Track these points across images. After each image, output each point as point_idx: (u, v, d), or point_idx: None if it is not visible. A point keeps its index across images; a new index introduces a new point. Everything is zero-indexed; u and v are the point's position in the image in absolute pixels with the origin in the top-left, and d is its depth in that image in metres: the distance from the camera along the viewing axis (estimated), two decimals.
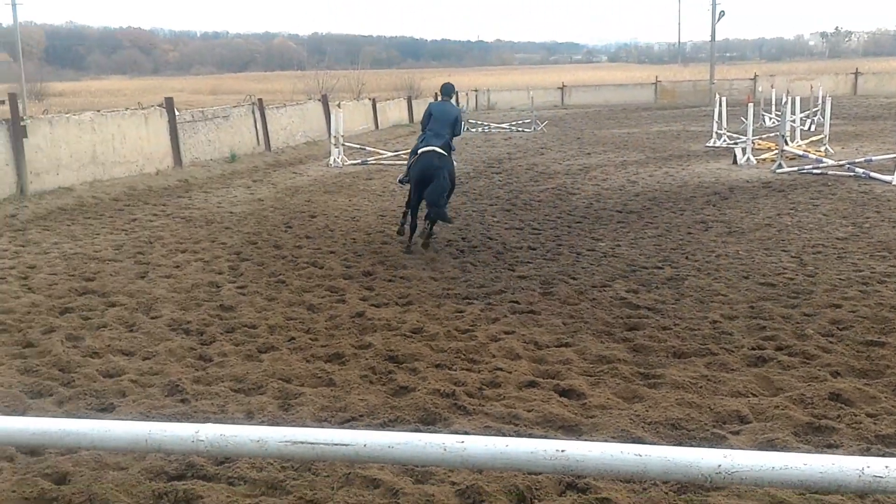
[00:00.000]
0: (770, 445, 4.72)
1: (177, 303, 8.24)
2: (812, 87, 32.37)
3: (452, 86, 11.54)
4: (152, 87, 68.20)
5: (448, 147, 10.51)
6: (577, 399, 5.56)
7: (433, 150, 10.21)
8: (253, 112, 23.35)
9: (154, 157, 18.75)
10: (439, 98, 11.41)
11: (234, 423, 5.14)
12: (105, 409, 5.57)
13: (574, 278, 8.89)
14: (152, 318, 7.74)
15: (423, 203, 10.35)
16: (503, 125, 33.07)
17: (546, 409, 5.33)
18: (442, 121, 10.56)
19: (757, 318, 7.20)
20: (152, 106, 19.71)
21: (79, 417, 5.09)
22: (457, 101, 42.03)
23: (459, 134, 10.94)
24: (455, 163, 11.18)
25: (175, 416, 5.39)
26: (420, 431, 4.98)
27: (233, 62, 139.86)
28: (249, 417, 5.41)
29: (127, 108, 19.22)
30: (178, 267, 9.86)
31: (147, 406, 5.57)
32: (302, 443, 1.94)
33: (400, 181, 11.31)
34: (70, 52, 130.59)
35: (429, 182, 10.11)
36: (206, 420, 5.23)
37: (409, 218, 10.68)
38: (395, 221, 12.57)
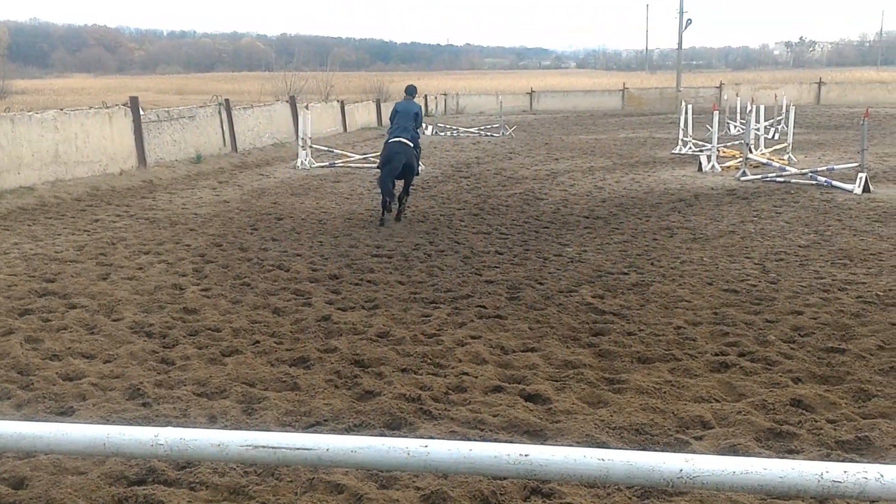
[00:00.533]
0: (732, 451, 4.77)
1: (139, 305, 8.13)
2: (776, 96, 32.89)
3: (415, 87, 14.36)
4: (117, 86, 67.33)
5: (413, 138, 13.12)
6: (542, 404, 5.57)
7: (398, 141, 12.88)
8: (219, 112, 23.16)
9: (118, 157, 18.51)
10: (404, 98, 13.96)
11: (195, 427, 5.08)
12: (64, 413, 5.48)
13: (541, 283, 8.92)
14: (114, 320, 7.63)
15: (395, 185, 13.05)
16: (472, 129, 33.13)
17: (512, 413, 5.33)
18: (406, 116, 13.27)
19: (720, 325, 7.28)
20: (117, 105, 19.45)
21: (37, 421, 5.00)
22: (425, 103, 42.25)
23: (420, 125, 13.64)
24: (421, 165, 14.06)
25: (136, 420, 5.32)
26: (385, 436, 4.96)
27: (200, 62, 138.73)
28: (212, 422, 5.35)
29: (91, 107, 18.94)
30: (140, 269, 9.74)
31: (107, 410, 5.48)
32: (263, 447, 1.91)
33: (378, 167, 13.63)
34: (34, 50, 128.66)
35: (401, 166, 12.77)
36: (167, 424, 5.17)
37: (387, 200, 12.79)
38: (362, 225, 12.62)
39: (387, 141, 13.10)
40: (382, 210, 12.81)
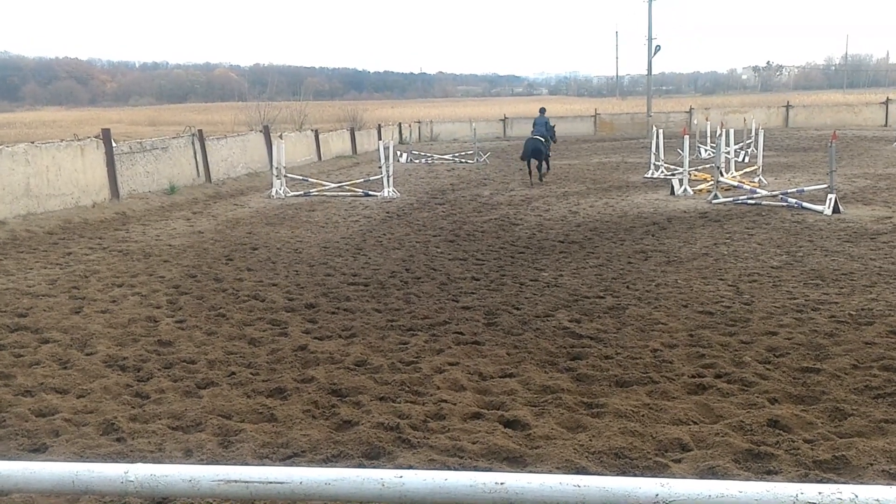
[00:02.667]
0: (711, 473, 4.77)
1: (113, 338, 8.04)
2: (745, 120, 33.33)
3: (545, 108, 25.13)
4: (89, 119, 67.04)
5: (544, 136, 22.62)
6: (521, 430, 5.55)
7: (533, 137, 22.39)
8: (193, 143, 23.09)
9: (90, 190, 18.38)
10: (539, 115, 24.01)
11: (169, 462, 5.01)
12: (37, 450, 5.38)
13: (517, 308, 8.92)
14: (87, 354, 7.53)
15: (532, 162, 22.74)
16: (446, 156, 33.28)
17: (491, 440, 5.31)
18: (540, 125, 23.18)
19: (696, 346, 7.31)
20: (89, 137, 19.34)
21: (9, 458, 4.91)
22: (399, 131, 42.48)
23: (550, 131, 23.38)
24: (549, 156, 23.71)
25: (110, 456, 5.24)
26: (364, 466, 4.92)
27: (172, 93, 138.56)
28: (188, 456, 5.27)
29: (62, 140, 18.81)
30: (114, 301, 9.64)
31: (81, 446, 5.40)
32: (236, 481, 1.88)
33: (521, 157, 23.46)
34: (4, 83, 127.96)
35: (531, 150, 22.22)
36: (142, 459, 5.09)
37: (529, 171, 22.79)
38: (338, 253, 12.61)
39: (528, 138, 22.79)
40: (529, 176, 22.75)
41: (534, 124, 23.48)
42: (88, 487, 1.97)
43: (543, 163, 22.89)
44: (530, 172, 22.68)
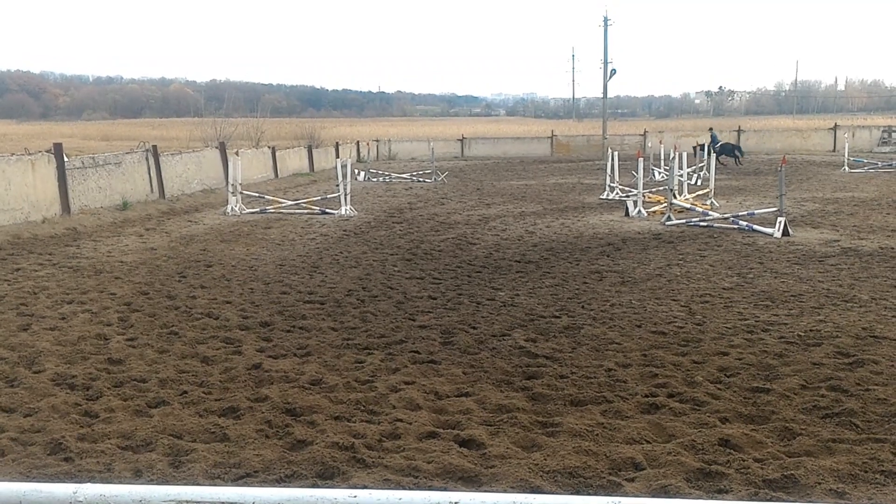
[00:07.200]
0: (663, 492, 4.81)
1: (62, 356, 7.87)
2: (698, 143, 33.94)
3: (711, 127, 43.76)
4: (41, 133, 65.79)
5: (733, 142, 38.40)
6: (477, 449, 5.56)
7: (730, 143, 36.85)
8: (147, 159, 22.82)
9: (41, 205, 18.04)
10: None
11: (118, 482, 4.92)
12: None
13: (474, 328, 8.94)
14: (35, 372, 7.36)
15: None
16: (404, 175, 33.32)
17: (446, 459, 5.30)
18: (714, 138, 36.64)
19: (649, 366, 7.39)
20: (40, 152, 19.00)
21: None
22: (357, 150, 42.32)
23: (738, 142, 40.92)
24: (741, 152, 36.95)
25: (58, 476, 5.12)
26: (318, 486, 4.88)
27: (127, 108, 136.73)
28: (137, 476, 5.18)
29: (13, 154, 18.47)
30: (63, 319, 9.45)
31: (28, 465, 5.27)
32: (187, 501, 1.86)
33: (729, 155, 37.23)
34: None
35: (728, 149, 36.53)
36: (90, 479, 4.99)
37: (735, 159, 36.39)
38: (294, 271, 12.49)
39: (726, 142, 37.62)
40: (735, 164, 35.96)
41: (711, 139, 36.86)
42: None
43: (737, 154, 36.10)
44: (736, 160, 36.13)
